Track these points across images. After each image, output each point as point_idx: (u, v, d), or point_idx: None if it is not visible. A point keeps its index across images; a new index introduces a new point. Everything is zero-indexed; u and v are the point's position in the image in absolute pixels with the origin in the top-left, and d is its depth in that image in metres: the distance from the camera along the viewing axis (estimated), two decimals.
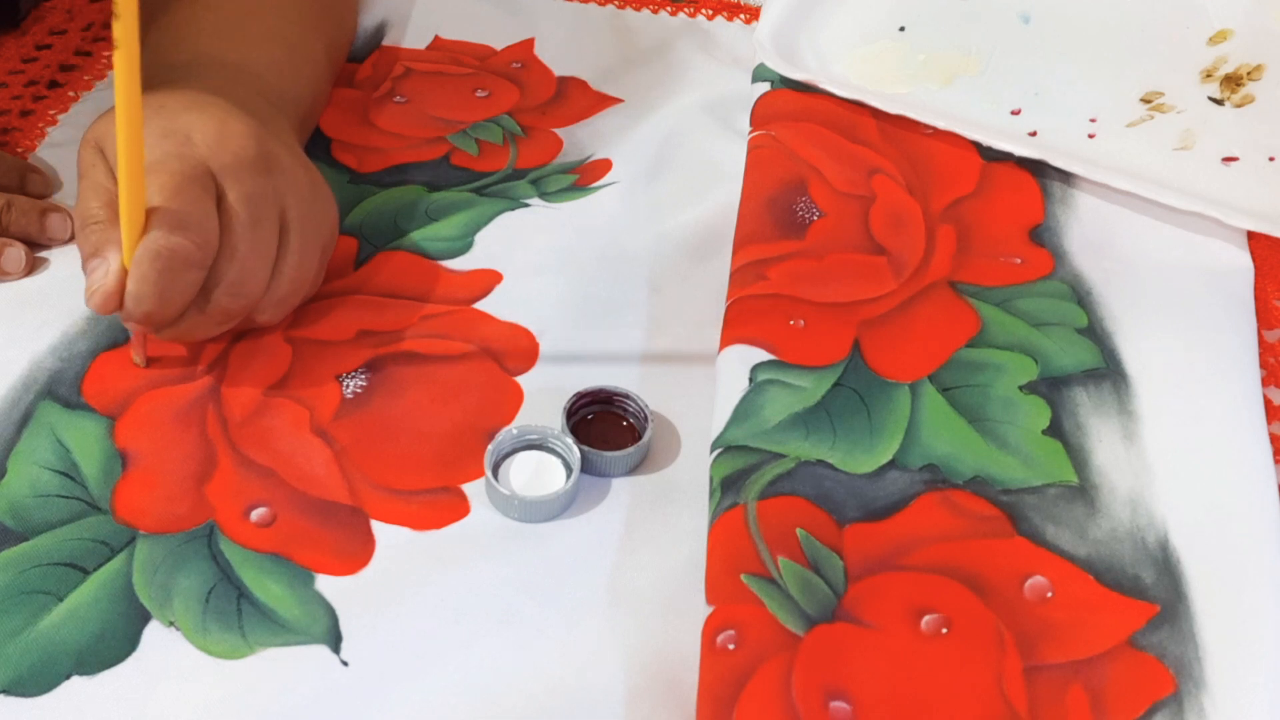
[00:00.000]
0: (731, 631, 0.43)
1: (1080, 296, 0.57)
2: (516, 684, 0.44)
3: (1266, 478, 0.50)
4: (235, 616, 0.45)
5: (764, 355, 0.53)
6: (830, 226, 0.60)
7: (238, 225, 0.50)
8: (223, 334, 0.53)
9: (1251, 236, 0.61)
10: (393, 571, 0.47)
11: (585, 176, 0.65)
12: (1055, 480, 0.49)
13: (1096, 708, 0.42)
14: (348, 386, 0.53)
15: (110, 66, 0.70)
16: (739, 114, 0.68)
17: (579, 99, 0.70)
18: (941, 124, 0.65)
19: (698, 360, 0.55)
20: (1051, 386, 0.53)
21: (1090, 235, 0.61)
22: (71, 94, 0.68)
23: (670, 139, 0.67)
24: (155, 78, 0.52)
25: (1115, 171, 0.62)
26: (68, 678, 0.43)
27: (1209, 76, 0.69)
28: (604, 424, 0.52)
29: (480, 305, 0.57)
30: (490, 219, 0.62)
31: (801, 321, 0.55)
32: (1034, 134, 0.66)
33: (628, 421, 0.52)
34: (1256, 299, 0.58)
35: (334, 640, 0.45)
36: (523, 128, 0.67)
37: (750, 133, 0.66)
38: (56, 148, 0.64)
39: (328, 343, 0.55)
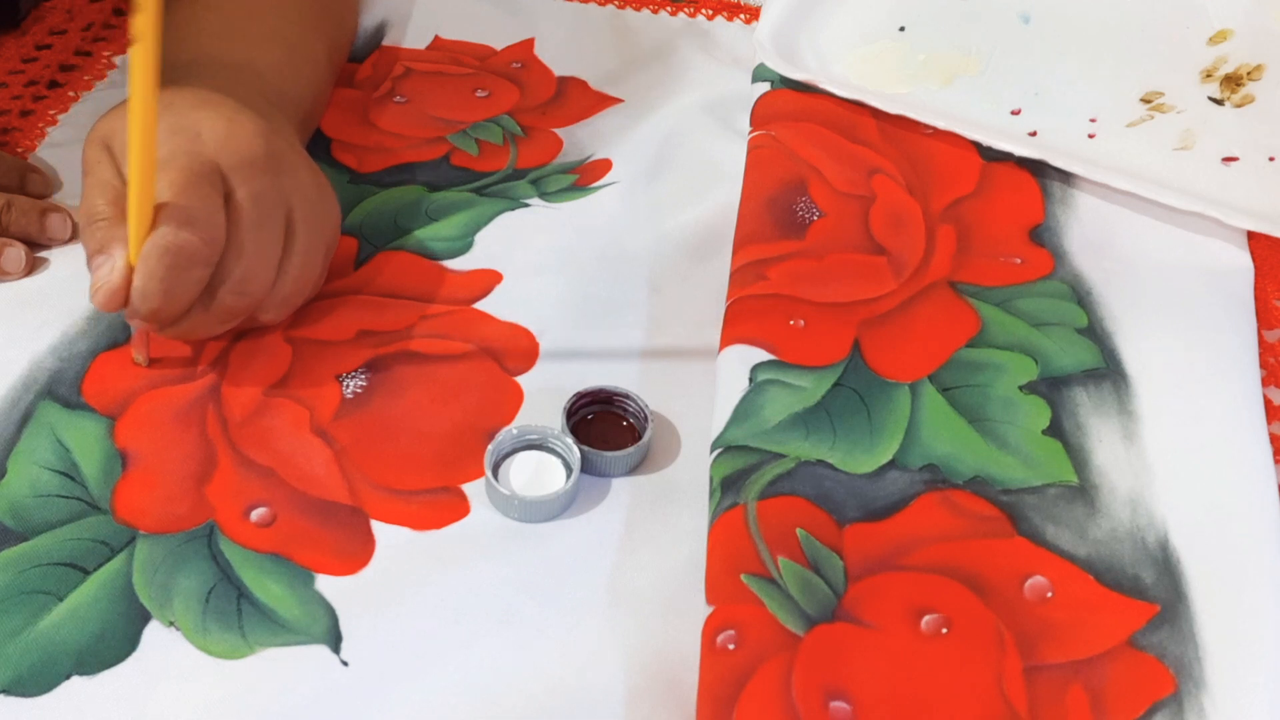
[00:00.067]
0: (731, 631, 0.43)
1: (1080, 296, 0.57)
2: (516, 684, 0.44)
3: (1266, 478, 0.50)
4: (235, 616, 0.45)
5: (764, 355, 0.53)
6: (830, 226, 0.60)
7: (245, 224, 0.50)
8: (224, 333, 0.53)
9: (1251, 236, 0.61)
10: (393, 571, 0.47)
11: (585, 176, 0.65)
12: (1055, 480, 0.49)
13: (1096, 708, 0.42)
14: (348, 386, 0.53)
15: (111, 66, 0.70)
16: (739, 114, 0.68)
17: (579, 99, 0.70)
18: (941, 124, 0.65)
19: (698, 360, 0.55)
20: (1051, 386, 0.53)
21: (1090, 235, 0.61)
22: (71, 94, 0.68)
23: (670, 139, 0.67)
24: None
25: (1115, 171, 0.62)
26: (68, 678, 0.43)
27: (1209, 76, 0.69)
28: (604, 424, 0.52)
29: (480, 305, 0.57)
30: (490, 219, 0.62)
31: (801, 321, 0.55)
32: (1034, 134, 0.66)
33: (628, 421, 0.52)
34: (1256, 299, 0.58)
35: (334, 640, 0.45)
36: (523, 128, 0.67)
37: (750, 133, 0.66)
38: (56, 148, 0.64)
39: (328, 343, 0.55)
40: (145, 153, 0.47)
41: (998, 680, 0.43)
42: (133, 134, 0.46)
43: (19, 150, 0.64)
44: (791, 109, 0.66)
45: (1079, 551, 0.47)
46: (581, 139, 0.67)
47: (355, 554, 0.47)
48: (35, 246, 0.58)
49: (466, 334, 0.56)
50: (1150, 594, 0.46)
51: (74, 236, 0.58)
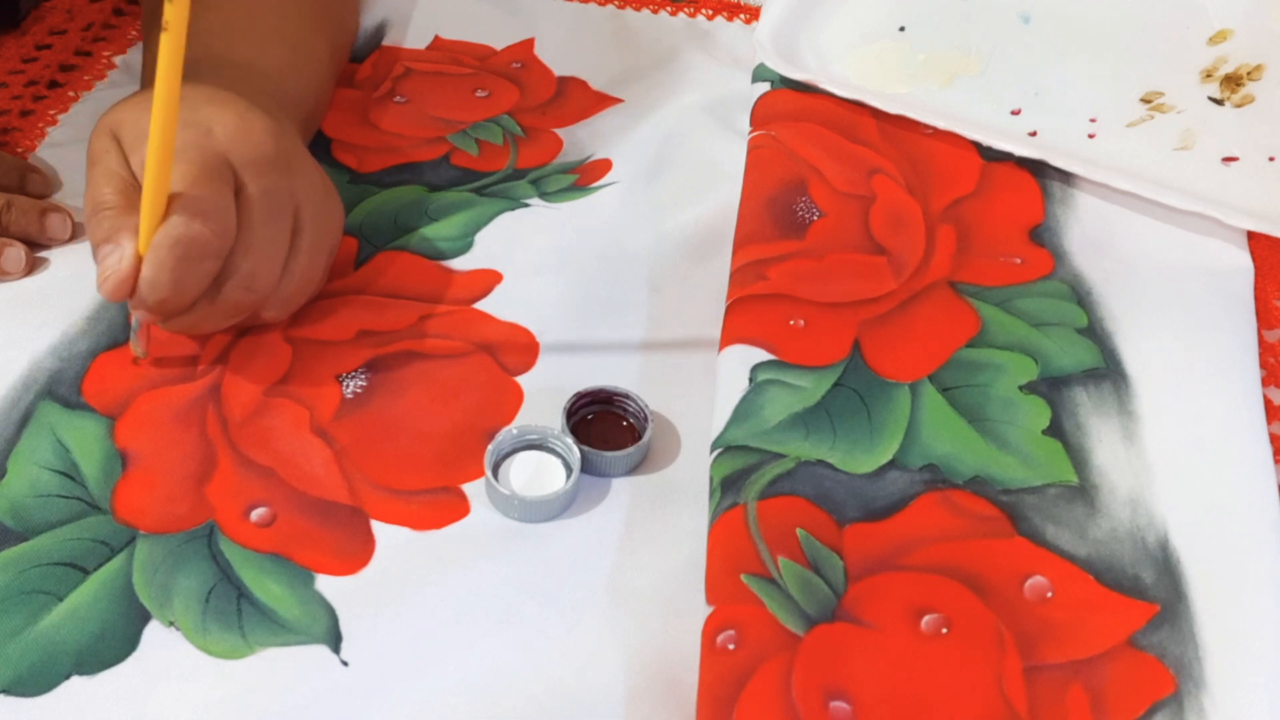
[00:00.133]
0: (731, 631, 0.43)
1: (1080, 296, 0.57)
2: (516, 684, 0.44)
3: (1266, 478, 0.50)
4: (235, 616, 0.45)
5: (764, 355, 0.53)
6: (830, 226, 0.60)
7: (255, 219, 0.50)
8: (225, 330, 0.53)
9: (1251, 236, 0.61)
10: (393, 571, 0.47)
11: (585, 176, 0.65)
12: (1055, 480, 0.49)
13: (1096, 708, 0.42)
14: (348, 386, 0.53)
15: (111, 66, 0.70)
16: (739, 114, 0.68)
17: (579, 99, 0.70)
18: (941, 124, 0.65)
19: (698, 360, 0.55)
20: (1051, 386, 0.53)
21: (1090, 235, 0.61)
22: (71, 94, 0.68)
23: (670, 139, 0.67)
24: None
25: (1115, 171, 0.62)
26: (68, 678, 0.43)
27: (1209, 76, 0.69)
28: (604, 424, 0.52)
29: (480, 305, 0.57)
30: (490, 219, 0.62)
31: (801, 321, 0.55)
32: (1034, 134, 0.66)
33: (628, 421, 0.52)
34: (1256, 299, 0.58)
35: (334, 640, 0.45)
36: (523, 128, 0.67)
37: (750, 133, 0.66)
38: (56, 148, 0.64)
39: (328, 343, 0.55)
40: (164, 143, 0.46)
41: (998, 680, 0.43)
42: (155, 123, 0.46)
43: (19, 150, 0.64)
44: (791, 109, 0.66)
45: (1079, 551, 0.47)
46: (581, 139, 0.67)
47: (355, 554, 0.47)
48: (35, 246, 0.58)
49: (467, 334, 0.56)
50: (1150, 594, 0.46)
51: (74, 236, 0.58)
